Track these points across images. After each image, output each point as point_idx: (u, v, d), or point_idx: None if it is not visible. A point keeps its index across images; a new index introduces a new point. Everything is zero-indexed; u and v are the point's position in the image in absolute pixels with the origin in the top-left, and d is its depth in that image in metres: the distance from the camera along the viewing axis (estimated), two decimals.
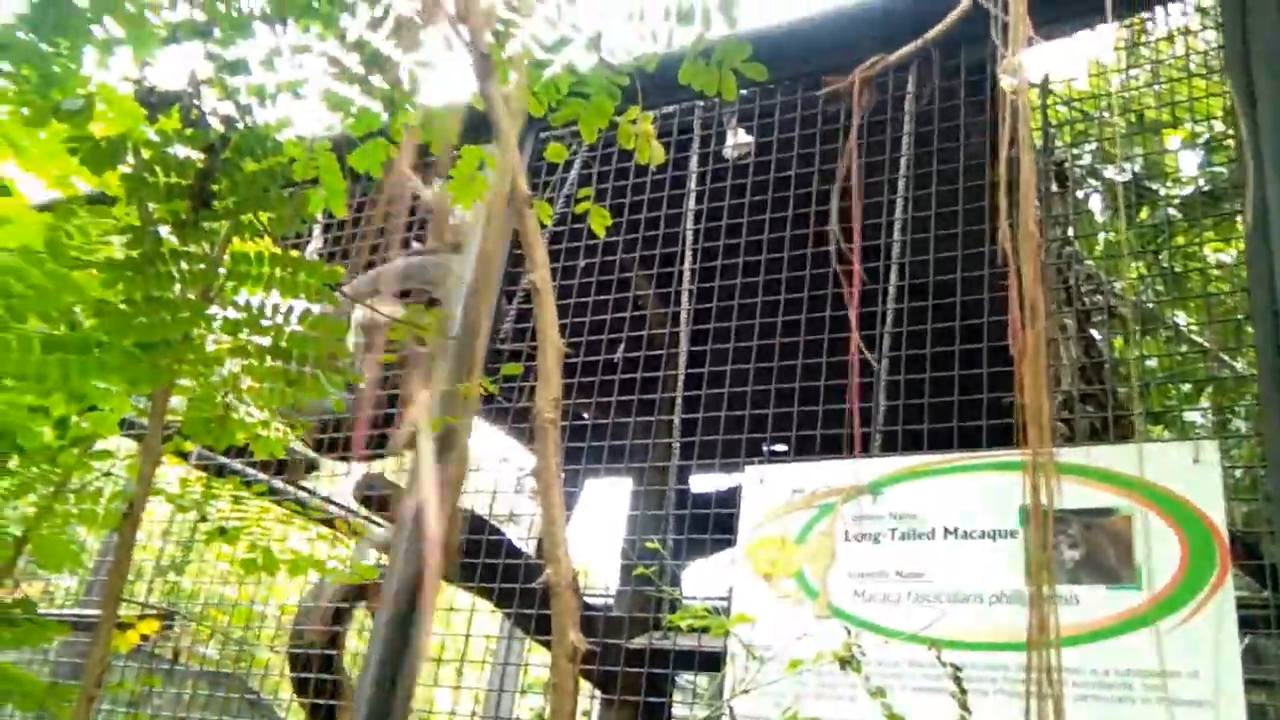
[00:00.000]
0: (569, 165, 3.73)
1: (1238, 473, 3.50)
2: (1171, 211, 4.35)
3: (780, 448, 3.63)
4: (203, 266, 1.65)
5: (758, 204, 3.32)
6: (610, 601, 5.00)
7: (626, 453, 3.92)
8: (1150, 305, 3.80)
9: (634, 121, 1.87)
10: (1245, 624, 2.40)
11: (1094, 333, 3.60)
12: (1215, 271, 4.15)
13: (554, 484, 1.22)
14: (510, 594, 3.25)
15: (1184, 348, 3.99)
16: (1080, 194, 4.18)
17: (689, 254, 3.75)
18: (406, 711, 2.78)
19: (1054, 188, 3.47)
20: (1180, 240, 4.38)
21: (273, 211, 1.71)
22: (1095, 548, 2.29)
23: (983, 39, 2.33)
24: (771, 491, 2.76)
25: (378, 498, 3.88)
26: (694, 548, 4.91)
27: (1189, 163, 4.59)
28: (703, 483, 5.26)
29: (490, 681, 6.22)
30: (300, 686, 4.50)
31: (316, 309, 1.76)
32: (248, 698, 5.56)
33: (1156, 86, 3.44)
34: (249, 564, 2.12)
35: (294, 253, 1.75)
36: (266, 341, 1.72)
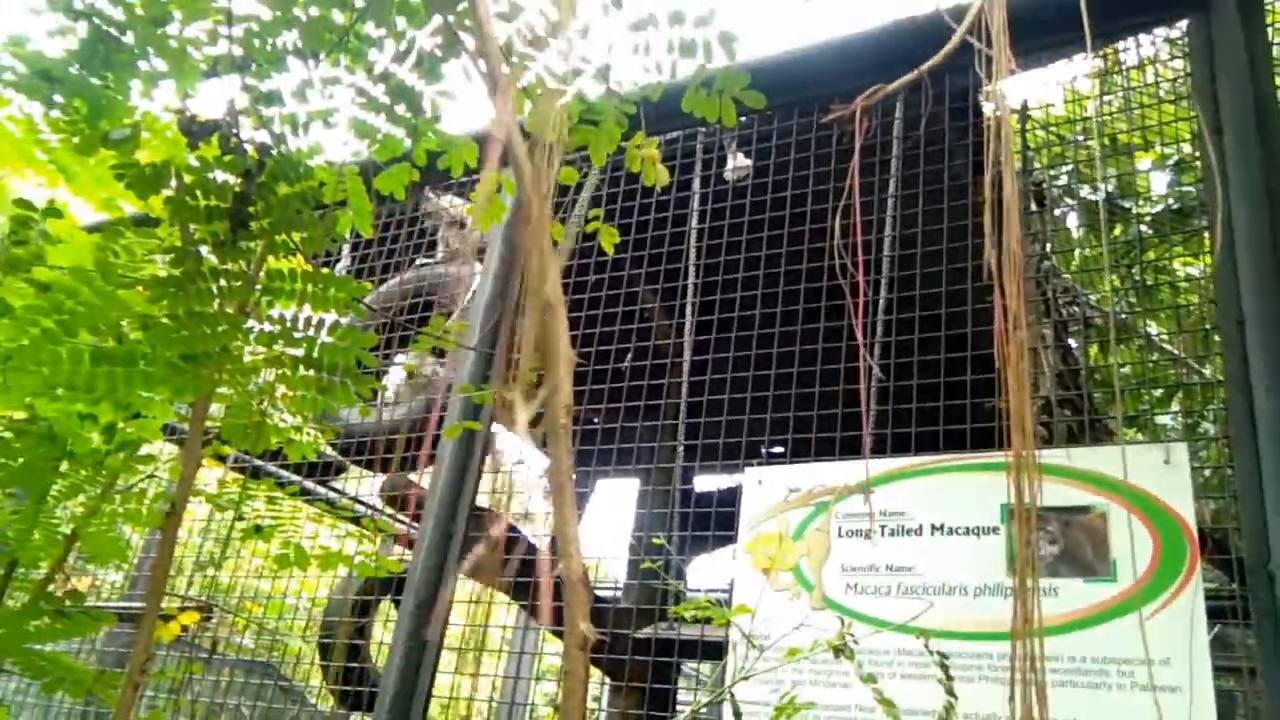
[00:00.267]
0: (580, 187, 3.73)
1: (1207, 473, 3.49)
2: (1143, 228, 4.34)
3: (778, 450, 3.62)
4: (240, 283, 1.66)
5: (756, 223, 3.33)
6: (619, 594, 4.99)
7: (634, 455, 3.91)
8: (1124, 316, 3.79)
9: (640, 146, 1.87)
10: (1214, 614, 2.39)
11: (1071, 342, 3.59)
12: (1184, 284, 4.14)
13: (566, 485, 1.22)
14: (525, 587, 3.24)
15: (1155, 356, 3.98)
16: (1057, 212, 4.17)
17: (692, 269, 3.75)
18: (428, 696, 2.77)
19: (1033, 207, 3.47)
20: (1151, 255, 4.37)
21: (304, 232, 1.71)
22: (1073, 543, 2.29)
23: (965, 68, 2.33)
24: (770, 491, 2.76)
25: (401, 497, 3.89)
26: (697, 544, 4.92)
27: (1159, 182, 4.58)
28: (705, 483, 5.26)
29: (507, 669, 6.21)
30: (329, 674, 4.50)
31: (345, 321, 1.76)
32: (280, 685, 5.56)
33: (1128, 112, 3.43)
34: (282, 559, 2.12)
35: (324, 270, 1.76)
36: (299, 352, 1.72)
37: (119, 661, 4.41)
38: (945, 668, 1.91)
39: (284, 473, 4.00)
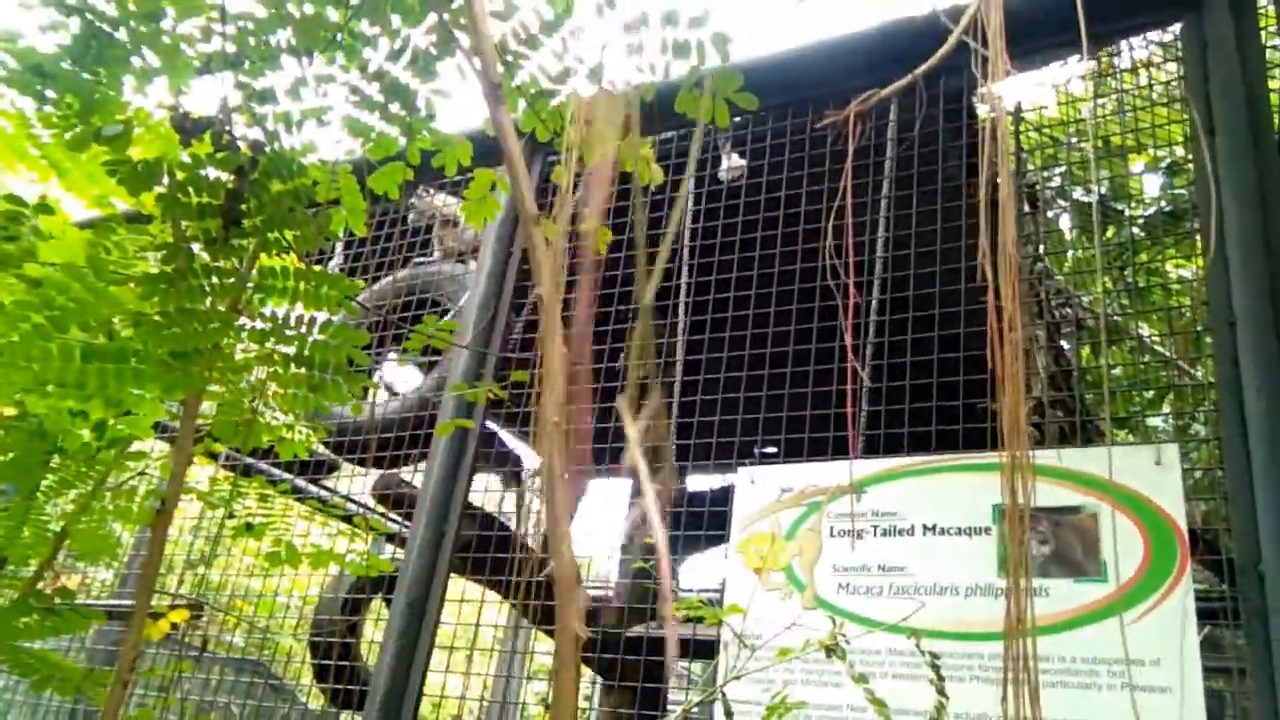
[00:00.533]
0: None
1: (1197, 474, 3.50)
2: (1135, 230, 4.36)
3: (770, 450, 3.63)
4: (232, 281, 1.65)
5: (750, 223, 3.33)
6: (611, 593, 4.99)
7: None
8: (1115, 317, 3.80)
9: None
10: (1205, 615, 2.40)
11: (1063, 343, 3.60)
12: (1176, 286, 4.16)
13: (558, 484, 1.22)
14: (517, 585, 3.24)
15: (1147, 357, 4.00)
16: (1050, 214, 4.19)
17: (685, 269, 3.75)
18: (419, 695, 2.77)
19: (1026, 208, 3.48)
20: (1144, 257, 4.39)
21: (297, 229, 1.71)
22: (1064, 543, 2.30)
23: (960, 69, 2.33)
24: (762, 491, 2.76)
25: (394, 496, 3.89)
26: (690, 543, 4.92)
27: (1152, 185, 4.60)
28: (698, 482, 5.26)
29: (498, 668, 6.21)
30: (320, 672, 4.49)
31: (338, 319, 1.76)
32: (271, 683, 5.55)
33: (1122, 114, 3.45)
34: (273, 558, 2.12)
35: (317, 268, 1.75)
36: (291, 350, 1.72)
37: (108, 659, 4.40)
38: (936, 668, 1.92)
39: (275, 470, 3.99)
